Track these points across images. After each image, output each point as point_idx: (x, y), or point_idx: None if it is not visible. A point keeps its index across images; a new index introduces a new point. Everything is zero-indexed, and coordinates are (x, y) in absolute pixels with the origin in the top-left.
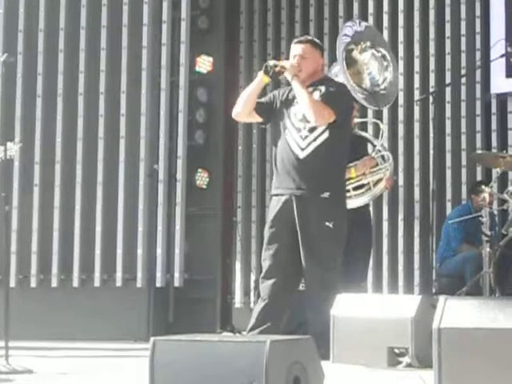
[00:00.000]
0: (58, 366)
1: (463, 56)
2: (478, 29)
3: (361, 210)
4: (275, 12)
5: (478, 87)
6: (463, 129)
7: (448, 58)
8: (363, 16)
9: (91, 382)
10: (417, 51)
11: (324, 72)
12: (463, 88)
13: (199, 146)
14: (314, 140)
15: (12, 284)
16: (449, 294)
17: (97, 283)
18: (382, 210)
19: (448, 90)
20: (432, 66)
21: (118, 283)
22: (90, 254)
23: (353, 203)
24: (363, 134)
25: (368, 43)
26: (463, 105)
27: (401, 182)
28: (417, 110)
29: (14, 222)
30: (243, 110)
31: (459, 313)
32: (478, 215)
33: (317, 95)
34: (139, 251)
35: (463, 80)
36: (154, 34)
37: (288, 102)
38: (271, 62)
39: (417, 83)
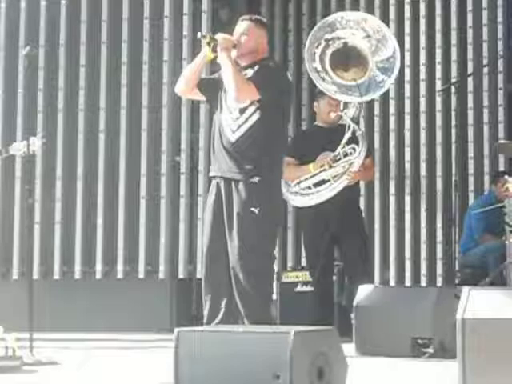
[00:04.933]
0: (81, 357)
1: (485, 46)
2: (500, 18)
3: (350, 200)
4: (296, 3)
5: (501, 77)
6: (485, 119)
7: (470, 48)
8: (384, 5)
9: (115, 372)
10: (438, 41)
11: (266, 53)
12: (485, 78)
13: None
14: (245, 122)
15: (35, 276)
16: (472, 285)
17: (120, 275)
18: (404, 201)
19: (470, 80)
20: (454, 56)
21: (141, 275)
22: (113, 246)
23: (315, 200)
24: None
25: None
26: (485, 95)
27: (423, 172)
28: (439, 100)
29: (36, 215)
30: (185, 86)
31: (483, 303)
32: (501, 206)
33: (249, 74)
34: (162, 243)
35: (485, 70)
36: (176, 27)
37: None
38: (199, 35)
39: (438, 73)
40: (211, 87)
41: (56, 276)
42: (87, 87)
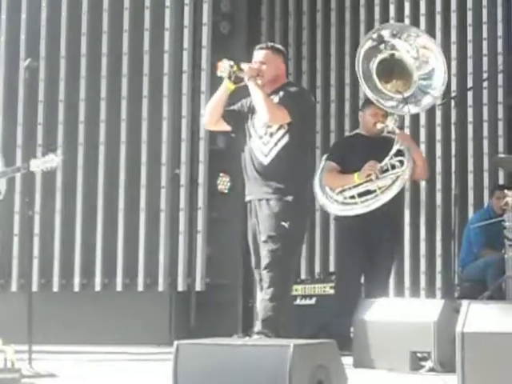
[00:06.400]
0: (80, 369)
1: (485, 60)
2: (499, 32)
3: (390, 215)
4: (296, 17)
5: (501, 91)
6: (485, 133)
7: (470, 62)
8: (384, 18)
9: None
10: None
11: (286, 78)
12: (485, 92)
13: (221, 150)
14: (275, 145)
15: (34, 288)
16: (471, 299)
17: (119, 287)
18: (404, 214)
19: (470, 94)
20: (454, 70)
21: (140, 288)
22: (112, 259)
23: (358, 210)
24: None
25: (386, 31)
26: (485, 109)
27: (422, 186)
28: (438, 114)
29: (36, 227)
30: (210, 119)
31: (483, 317)
32: (501, 219)
33: (276, 99)
34: (161, 256)
35: (485, 84)
36: (176, 39)
37: (252, 109)
38: (226, 63)
39: None
40: (236, 118)
41: (55, 288)
42: (87, 99)
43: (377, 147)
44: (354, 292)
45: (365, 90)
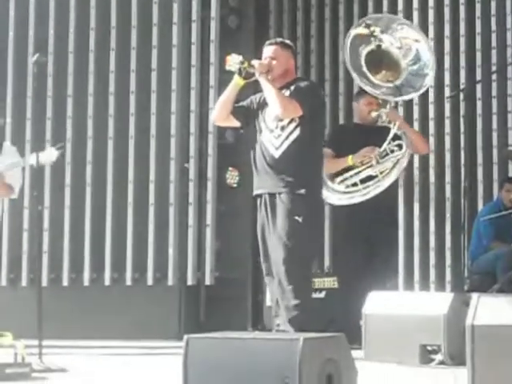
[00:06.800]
0: (90, 364)
1: (494, 52)
2: (508, 25)
3: (387, 206)
4: (304, 10)
5: (510, 83)
6: (494, 125)
7: (478, 55)
8: (392, 11)
9: (124, 380)
10: (447, 48)
11: (296, 73)
12: (494, 85)
13: (229, 144)
14: (287, 138)
15: (44, 283)
16: (481, 292)
17: (128, 282)
18: (413, 207)
19: (479, 86)
20: (462, 62)
21: (150, 282)
22: (121, 253)
23: (358, 198)
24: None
25: (377, 29)
26: (494, 101)
27: (432, 179)
28: (447, 106)
29: (45, 222)
30: (220, 114)
31: (493, 310)
32: (511, 212)
33: (287, 94)
34: (170, 250)
35: (494, 77)
36: (184, 34)
37: (262, 104)
38: (235, 56)
39: (447, 80)
40: (245, 114)
41: (65, 283)
42: (96, 94)
43: (372, 135)
44: (358, 282)
45: (352, 74)
